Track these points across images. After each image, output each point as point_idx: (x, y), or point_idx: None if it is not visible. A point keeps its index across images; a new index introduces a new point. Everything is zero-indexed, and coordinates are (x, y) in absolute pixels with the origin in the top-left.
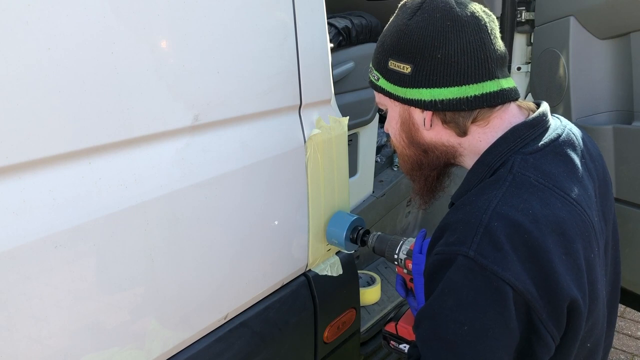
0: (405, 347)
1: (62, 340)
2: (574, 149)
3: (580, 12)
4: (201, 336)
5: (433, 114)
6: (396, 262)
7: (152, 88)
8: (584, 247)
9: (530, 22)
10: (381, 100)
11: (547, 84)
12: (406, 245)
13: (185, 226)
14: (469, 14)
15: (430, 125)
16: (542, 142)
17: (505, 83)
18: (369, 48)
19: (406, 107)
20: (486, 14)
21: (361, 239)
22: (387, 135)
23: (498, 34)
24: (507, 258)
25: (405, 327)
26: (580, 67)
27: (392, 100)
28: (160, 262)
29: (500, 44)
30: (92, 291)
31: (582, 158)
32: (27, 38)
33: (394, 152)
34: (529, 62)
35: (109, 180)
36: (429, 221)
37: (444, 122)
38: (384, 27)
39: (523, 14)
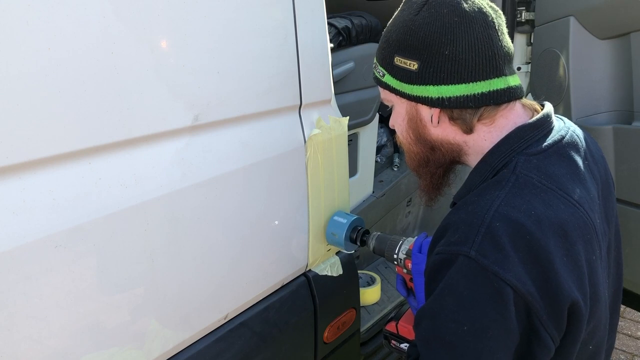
0: (406, 346)
1: (62, 340)
2: (577, 150)
3: (580, 12)
4: (201, 336)
5: (440, 110)
6: (396, 262)
7: (152, 88)
8: (585, 249)
9: (530, 22)
10: (387, 96)
11: (547, 84)
12: (405, 245)
13: (185, 226)
14: (476, 9)
15: (438, 122)
16: (545, 144)
17: (512, 80)
18: (369, 48)
19: (413, 103)
20: (493, 9)
21: (361, 239)
22: (387, 136)
23: (505, 30)
24: (508, 259)
25: (405, 327)
26: (580, 67)
27: (398, 96)
28: (160, 262)
29: (507, 40)
30: (92, 291)
31: (585, 160)
32: (27, 38)
33: (394, 152)
34: (529, 62)
35: (109, 181)
36: (429, 221)
37: (451, 118)
38: (384, 27)
39: (523, 14)
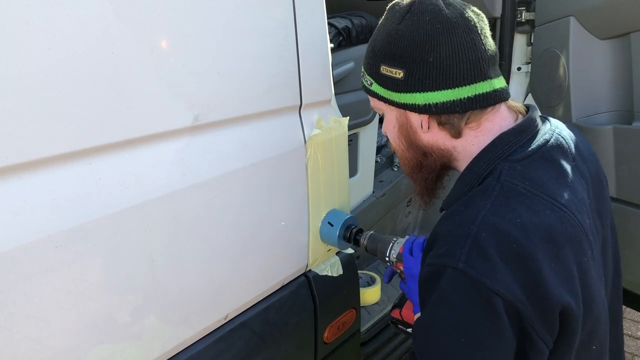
0: (411, 330)
1: (62, 340)
2: (563, 152)
3: (580, 12)
4: (201, 336)
5: (429, 116)
6: (388, 263)
7: (152, 88)
8: (574, 251)
9: (530, 22)
10: (376, 104)
11: (547, 84)
12: (397, 246)
13: (186, 226)
14: (458, 15)
15: (428, 128)
16: (530, 149)
17: (497, 83)
18: None
19: (402, 110)
20: (475, 13)
21: (354, 238)
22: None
23: (488, 33)
24: (496, 268)
25: (408, 314)
26: (580, 67)
27: (387, 104)
28: (161, 262)
29: (490, 43)
30: (92, 291)
31: (572, 161)
32: (27, 38)
33: (394, 152)
34: (529, 62)
35: (109, 181)
36: (430, 221)
37: (440, 123)
38: None
39: (523, 14)
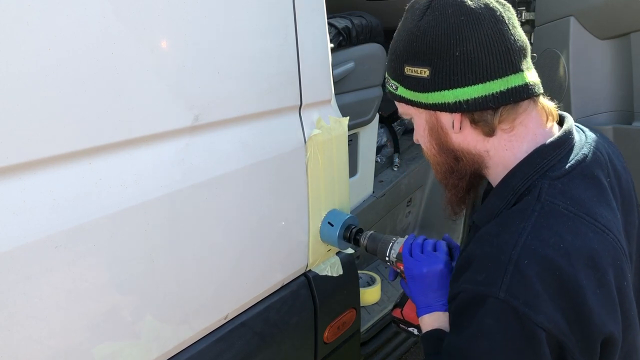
0: (413, 329)
1: (62, 340)
2: (601, 169)
3: (580, 12)
4: (201, 336)
5: (462, 115)
6: (388, 263)
7: (152, 88)
8: (615, 275)
9: (531, 22)
10: (404, 110)
11: (547, 84)
12: (396, 246)
13: (186, 226)
14: (482, 5)
15: (460, 128)
16: (569, 164)
17: (530, 76)
18: (369, 48)
19: (432, 112)
20: (500, 3)
21: (354, 238)
22: (387, 136)
23: (517, 23)
24: (538, 298)
25: (410, 313)
26: (580, 67)
27: (415, 107)
28: (161, 262)
29: (520, 33)
30: (92, 291)
31: (607, 177)
32: (27, 38)
33: (394, 152)
34: None
35: (109, 181)
36: (429, 221)
37: (473, 122)
38: (384, 27)
39: (523, 14)
